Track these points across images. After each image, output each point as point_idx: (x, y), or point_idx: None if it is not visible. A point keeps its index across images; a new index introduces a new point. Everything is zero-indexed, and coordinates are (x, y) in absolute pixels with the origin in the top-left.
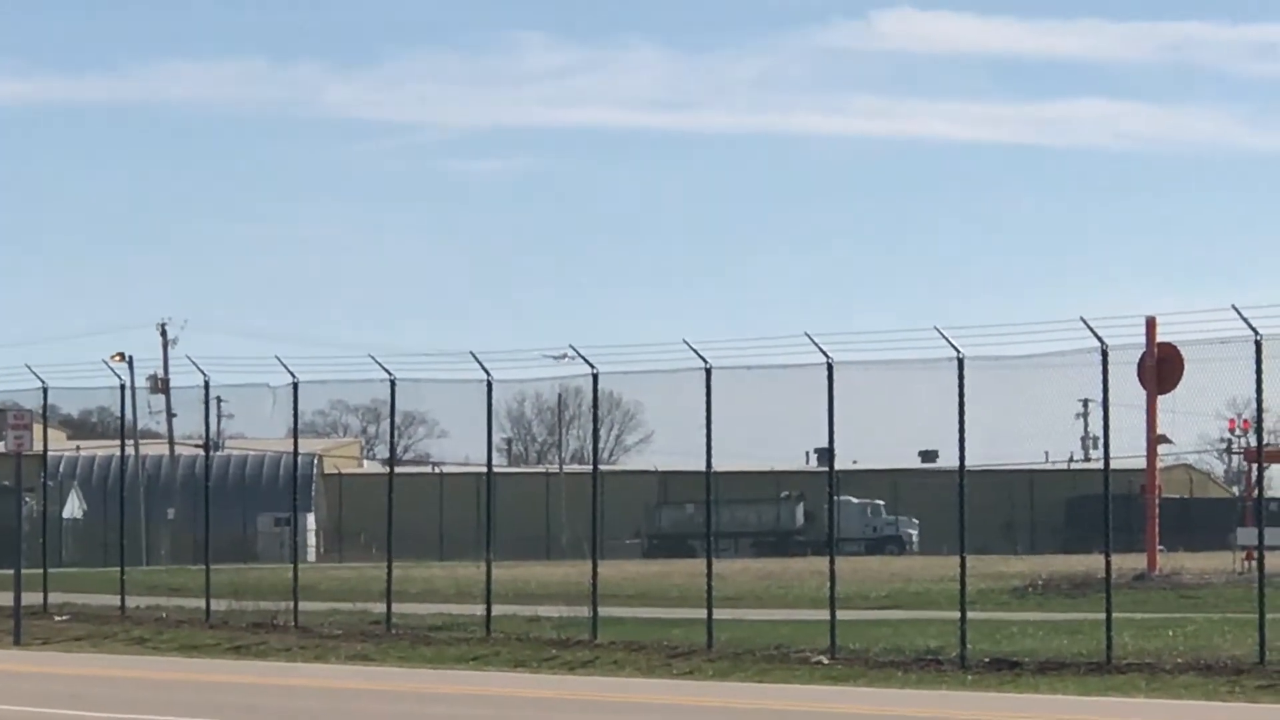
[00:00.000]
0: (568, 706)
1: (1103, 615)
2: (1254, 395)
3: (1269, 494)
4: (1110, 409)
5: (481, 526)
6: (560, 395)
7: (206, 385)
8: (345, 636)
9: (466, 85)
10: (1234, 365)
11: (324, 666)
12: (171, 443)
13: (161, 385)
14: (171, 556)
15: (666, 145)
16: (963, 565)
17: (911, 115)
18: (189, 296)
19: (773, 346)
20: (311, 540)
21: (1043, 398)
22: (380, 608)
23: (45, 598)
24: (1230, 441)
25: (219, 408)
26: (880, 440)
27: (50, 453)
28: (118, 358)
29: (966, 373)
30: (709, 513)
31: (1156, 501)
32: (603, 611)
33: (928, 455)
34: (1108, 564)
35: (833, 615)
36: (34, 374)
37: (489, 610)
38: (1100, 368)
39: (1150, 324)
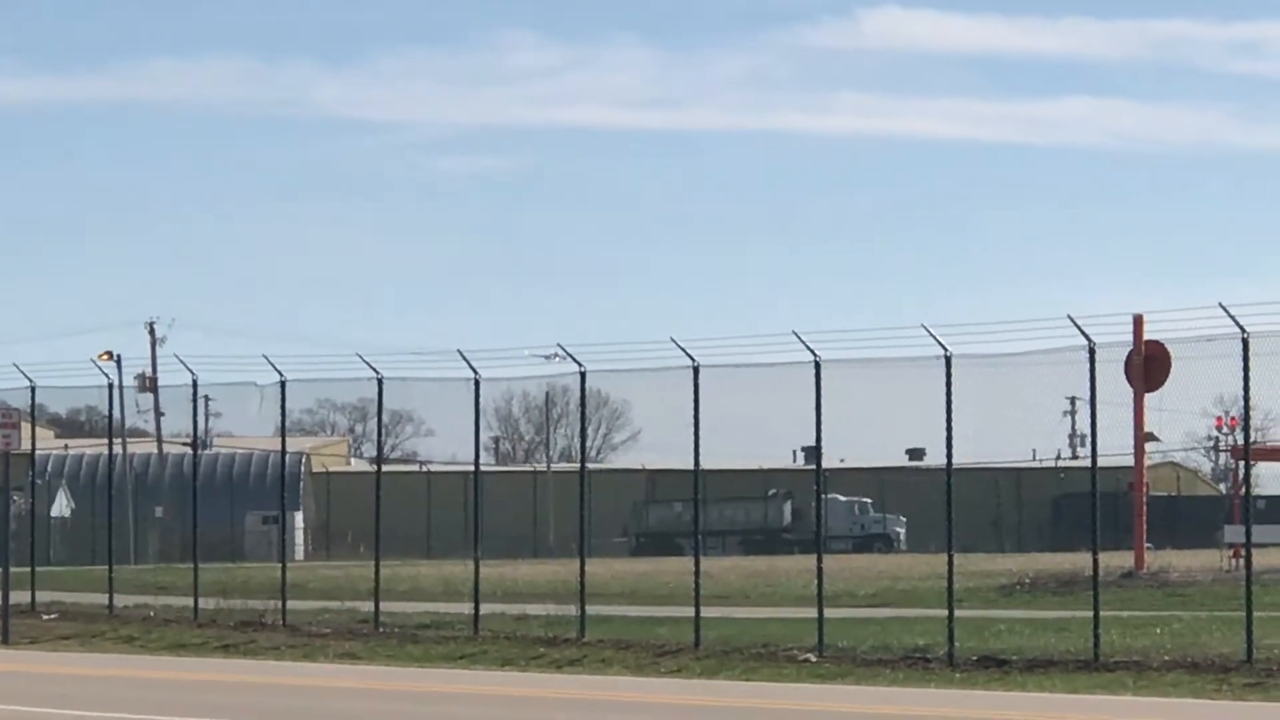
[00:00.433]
0: (555, 705)
1: (1090, 613)
2: (1241, 393)
3: (1256, 491)
4: (1098, 407)
5: (469, 525)
6: (548, 394)
7: (194, 384)
8: (333, 635)
9: (454, 84)
10: (1221, 363)
11: (312, 665)
12: (159, 441)
13: (149, 384)
14: (159, 555)
15: (653, 144)
16: (950, 563)
17: (898, 114)
18: (177, 295)
19: (760, 345)
20: (299, 539)
21: (1030, 396)
22: (368, 606)
23: (33, 596)
24: (1217, 439)
25: (207, 406)
26: (868, 438)
27: (38, 451)
28: (106, 356)
29: (954, 371)
30: (697, 511)
31: (1144, 499)
32: (590, 610)
33: (915, 453)
34: (1095, 562)
35: (820, 613)
36: (22, 373)
37: (477, 609)
38: (1088, 365)
39: (1137, 322)
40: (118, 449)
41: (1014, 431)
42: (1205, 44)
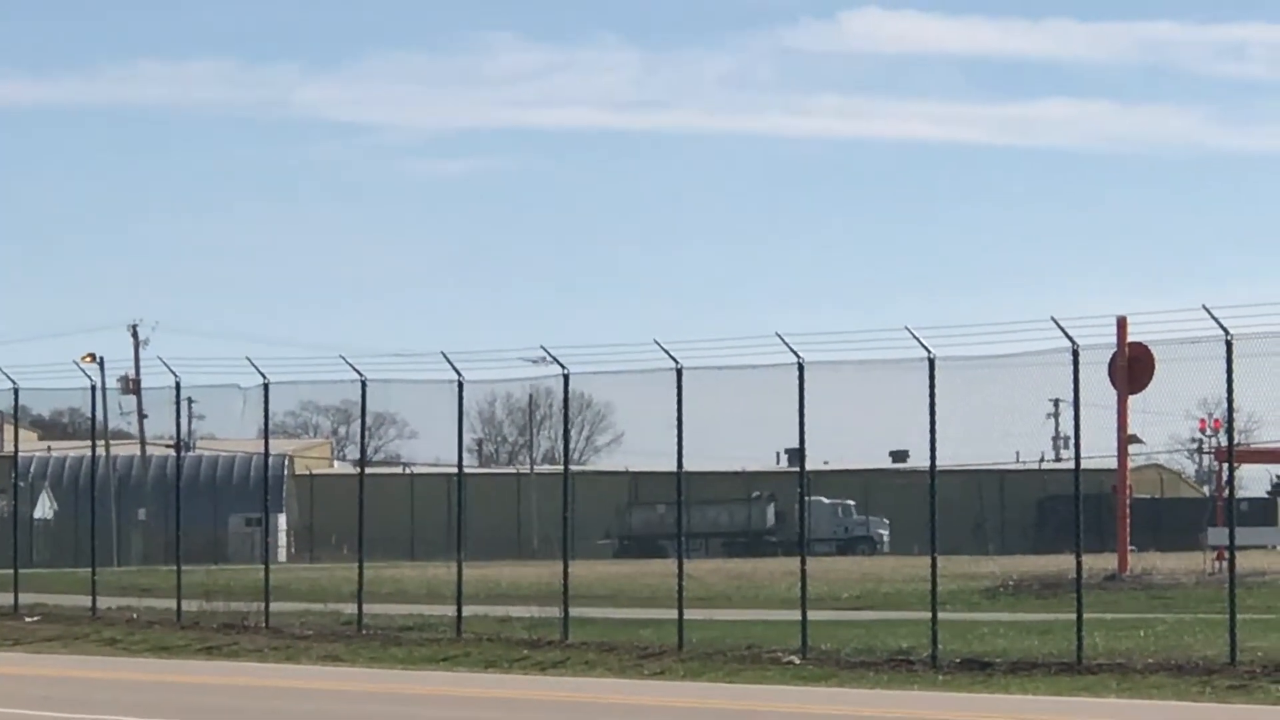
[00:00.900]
0: (539, 707)
1: (1073, 615)
2: (1225, 395)
3: (1240, 494)
4: (1081, 409)
5: (453, 527)
6: (531, 396)
7: (177, 386)
8: (316, 637)
9: (437, 86)
10: (1205, 365)
11: (295, 667)
12: (143, 443)
13: (132, 386)
14: (143, 557)
15: (636, 145)
16: (934, 565)
17: (880, 115)
18: (160, 297)
19: (744, 347)
20: (282, 541)
21: (1014, 398)
22: (351, 608)
23: (16, 598)
24: (1201, 441)
25: (190, 408)
26: (851, 440)
27: (21, 453)
28: (88, 358)
29: (937, 373)
30: (680, 513)
31: (1127, 501)
32: (574, 612)
33: (899, 455)
34: (1078, 564)
35: (804, 615)
36: (5, 374)
37: (460, 611)
38: (1071, 368)
39: (1121, 324)
40: (100, 451)
41: (997, 434)
42: (1189, 46)
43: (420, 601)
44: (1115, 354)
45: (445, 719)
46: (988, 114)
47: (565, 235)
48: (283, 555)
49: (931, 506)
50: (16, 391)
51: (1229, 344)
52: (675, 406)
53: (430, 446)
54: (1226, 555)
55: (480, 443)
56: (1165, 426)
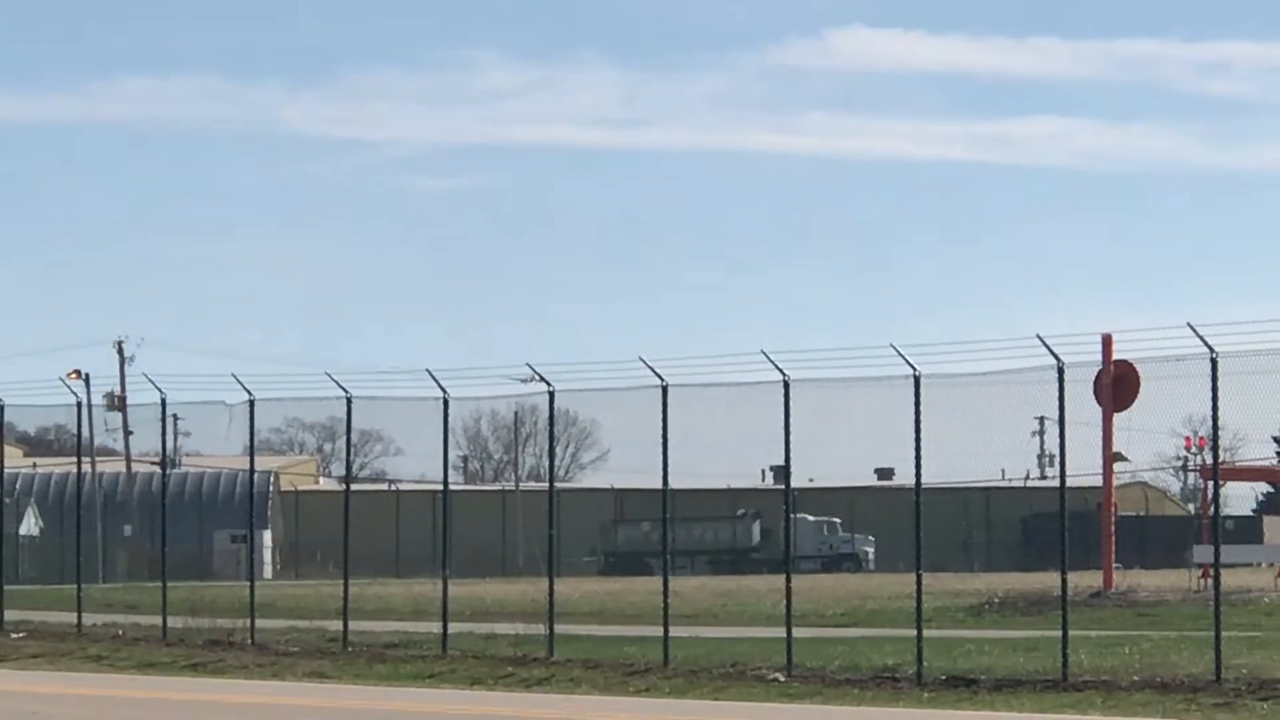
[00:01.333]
0: None
1: (1059, 633)
2: (1210, 413)
3: (1225, 512)
4: (1066, 427)
5: (438, 544)
6: (517, 413)
7: (163, 403)
8: (302, 654)
9: (423, 103)
10: (1190, 383)
11: (280, 684)
12: (128, 460)
13: (118, 403)
14: (128, 574)
15: (622, 163)
16: (919, 582)
17: (866, 133)
18: (146, 314)
19: (729, 364)
20: (268, 557)
21: (999, 415)
22: (337, 625)
23: (1, 615)
24: (1186, 459)
25: (175, 425)
26: (837, 458)
27: (6, 470)
28: (74, 375)
29: (923, 390)
30: (665, 530)
31: (1112, 519)
32: (559, 629)
33: (884, 473)
34: (1064, 581)
35: (789, 633)
36: None
37: (445, 628)
38: (1056, 385)
39: (1106, 342)
40: (86, 468)
41: (983, 451)
42: (1173, 64)
43: (406, 618)
44: (1100, 372)
45: None
46: (972, 132)
47: (552, 252)
48: (268, 572)
49: (917, 524)
50: (2, 408)
51: (1214, 362)
52: (660, 424)
53: (416, 463)
54: (1211, 573)
55: (466, 460)
56: (1150, 444)
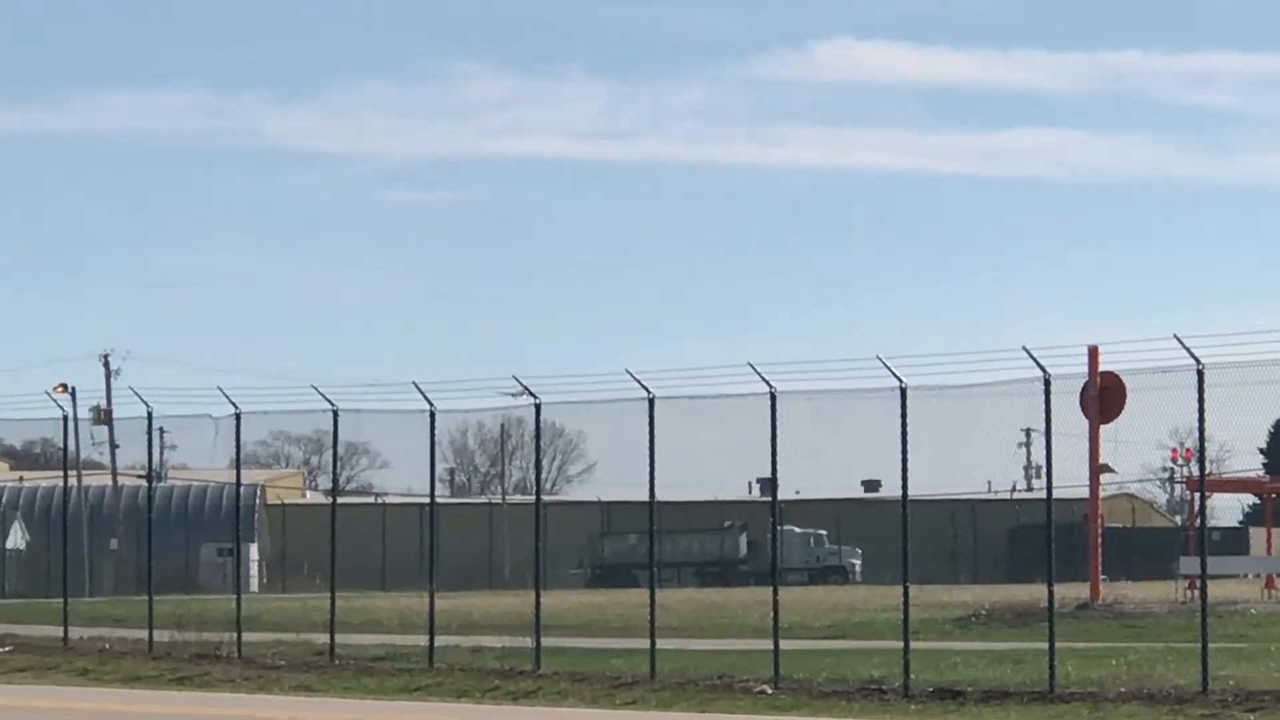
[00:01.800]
0: None
1: (1046, 644)
2: (1196, 424)
3: (1211, 523)
4: (1053, 438)
5: (424, 557)
6: (503, 426)
7: (149, 416)
8: (288, 667)
9: (407, 116)
10: (1176, 394)
11: (267, 697)
12: (114, 473)
13: (104, 416)
14: (115, 587)
15: (607, 176)
16: (905, 595)
17: (851, 145)
18: (132, 327)
19: (716, 376)
20: (254, 571)
21: (985, 427)
22: (323, 638)
23: None
24: (1173, 470)
25: (162, 438)
26: (823, 470)
27: None
28: (60, 389)
29: (909, 403)
30: (652, 543)
31: (1099, 531)
32: (546, 642)
33: (871, 485)
34: (1050, 593)
35: (776, 645)
36: None
37: (432, 640)
38: (1043, 397)
39: (1093, 353)
40: (72, 481)
41: (969, 463)
42: (1157, 76)
43: (392, 631)
44: (1087, 383)
45: None
46: (958, 143)
47: (536, 265)
48: (255, 585)
49: (904, 536)
50: None
51: (1200, 374)
52: (647, 436)
53: (402, 476)
54: (1198, 584)
55: (452, 472)
56: (1137, 456)
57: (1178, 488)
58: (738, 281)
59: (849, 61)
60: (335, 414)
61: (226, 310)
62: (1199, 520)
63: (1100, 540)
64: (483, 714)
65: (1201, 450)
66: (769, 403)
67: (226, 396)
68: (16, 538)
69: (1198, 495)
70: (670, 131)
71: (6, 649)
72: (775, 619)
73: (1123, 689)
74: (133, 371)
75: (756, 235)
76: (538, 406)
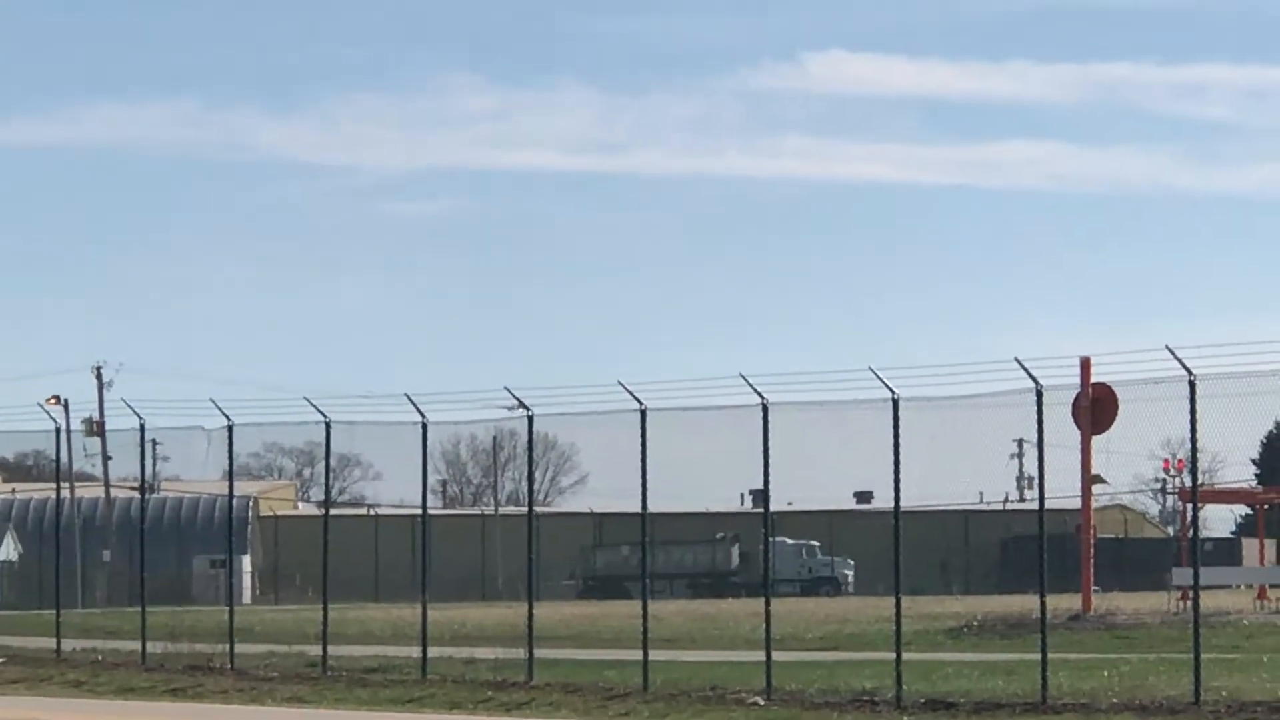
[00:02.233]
0: None
1: (1038, 655)
2: (1188, 435)
3: (1203, 534)
4: (1045, 449)
5: (417, 568)
6: (495, 437)
7: (142, 428)
8: (281, 679)
9: (400, 127)
10: (1168, 405)
11: (260, 709)
12: (107, 485)
13: (97, 428)
14: (107, 599)
15: (600, 187)
16: (898, 606)
17: (843, 157)
18: (124, 339)
19: (708, 388)
20: (247, 582)
21: (977, 438)
22: (316, 650)
23: None
24: (1165, 481)
25: (154, 450)
26: (816, 481)
27: None
28: (53, 401)
29: (901, 413)
30: (644, 554)
31: (1091, 542)
32: (539, 653)
33: (863, 496)
34: (1043, 604)
35: (768, 656)
36: None
37: (425, 652)
38: (1035, 408)
39: (1085, 364)
40: (65, 493)
41: (962, 474)
42: (1148, 87)
43: (385, 643)
44: (1079, 395)
45: None
46: (950, 155)
47: (529, 276)
48: (247, 597)
49: (896, 547)
50: None
51: (1192, 385)
52: (640, 447)
53: (395, 488)
54: (1191, 595)
55: (445, 484)
56: (1129, 467)
57: (1170, 499)
58: (730, 293)
59: (841, 73)
60: (328, 426)
61: (219, 322)
62: (1191, 531)
63: (1092, 551)
64: None
65: (1194, 461)
66: (761, 414)
67: (219, 408)
68: (9, 550)
69: (1190, 506)
70: (663, 143)
71: (0, 661)
72: (767, 630)
73: (1115, 700)
74: (125, 383)
75: (749, 246)
76: (530, 418)
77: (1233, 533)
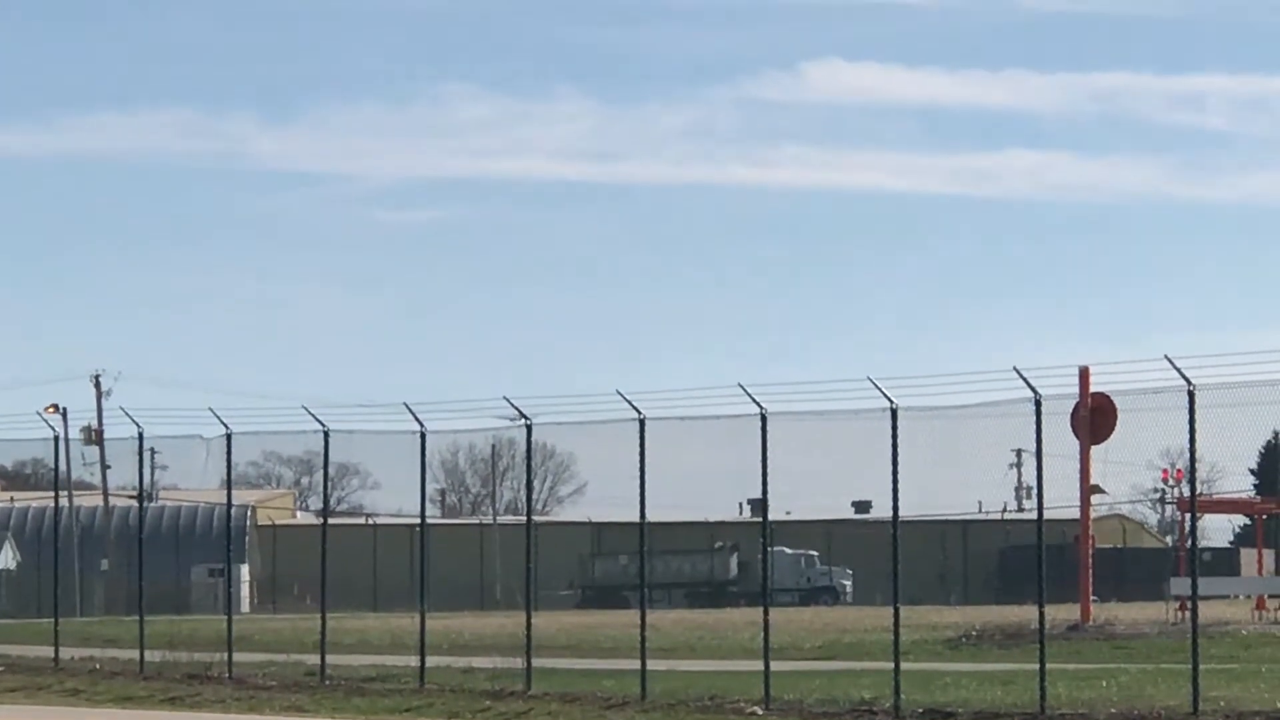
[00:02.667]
0: None
1: (1036, 665)
2: (1187, 445)
3: (1202, 544)
4: (1044, 459)
5: (415, 578)
6: (494, 446)
7: (140, 436)
8: (279, 688)
9: (395, 136)
10: (1167, 415)
11: (258, 718)
12: (105, 494)
13: (95, 436)
14: (105, 607)
15: (597, 196)
16: (896, 615)
17: (841, 166)
18: (123, 348)
19: (706, 397)
20: (245, 591)
21: (976, 448)
22: (314, 659)
23: None
24: (1163, 491)
25: (152, 459)
26: (814, 491)
27: None
28: (51, 409)
29: (900, 423)
30: (643, 563)
31: (1090, 552)
32: (537, 662)
33: (861, 506)
34: (1041, 614)
35: (767, 666)
36: None
37: (423, 661)
38: (1034, 418)
39: (1083, 374)
40: (63, 501)
41: (960, 484)
42: (1146, 96)
43: (383, 652)
44: (1078, 404)
45: None
46: (948, 164)
47: (526, 285)
48: (245, 606)
49: (894, 557)
50: None
51: (1191, 395)
52: (638, 457)
53: (393, 497)
54: (1189, 605)
55: (443, 493)
56: (1128, 477)
57: (1168, 509)
58: (728, 302)
59: (840, 82)
60: (326, 434)
61: (217, 330)
62: (1190, 541)
63: (1091, 561)
64: None
65: (1192, 471)
66: (760, 424)
67: (217, 417)
68: (7, 558)
69: (1188, 516)
70: (660, 152)
71: None
72: (766, 640)
73: (1113, 710)
74: (124, 392)
75: (747, 256)
76: (529, 427)
77: (1231, 543)
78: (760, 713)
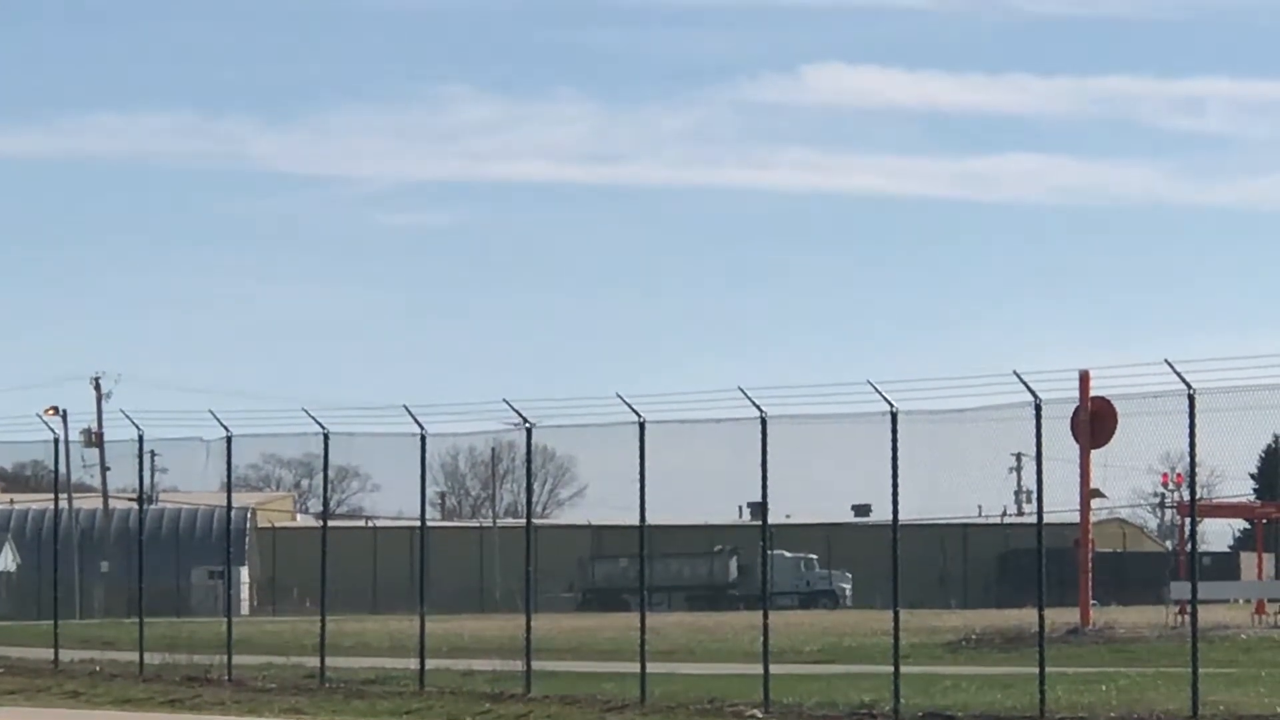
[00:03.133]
0: None
1: (1036, 669)
2: (1187, 450)
3: (1202, 548)
4: (1044, 463)
5: (415, 580)
6: (494, 449)
7: (140, 439)
8: (279, 690)
9: (395, 138)
10: (1167, 419)
11: None
12: (105, 496)
13: (95, 439)
14: (105, 610)
15: (597, 198)
16: (896, 619)
17: (841, 169)
18: (123, 350)
19: (706, 400)
20: (245, 594)
21: (976, 452)
22: (314, 661)
23: None
24: (1163, 496)
25: (152, 461)
26: (814, 494)
27: None
28: (51, 412)
29: (900, 427)
30: (642, 566)
31: (1090, 555)
32: (536, 665)
33: (861, 509)
34: (1041, 618)
35: (766, 669)
36: None
37: (423, 664)
38: (1034, 422)
39: (1084, 378)
40: (63, 504)
41: (960, 487)
42: (1147, 101)
43: (383, 654)
44: (1078, 408)
45: None
46: (948, 168)
47: (526, 287)
48: (245, 608)
49: (894, 560)
50: None
51: (1191, 399)
52: (638, 460)
53: (393, 500)
54: (1189, 609)
55: (443, 496)
56: (1128, 481)
57: (1168, 513)
58: (728, 305)
59: (839, 85)
60: (326, 437)
61: (217, 333)
62: (1190, 545)
63: (1091, 565)
64: None
65: (1192, 475)
66: (759, 427)
67: (217, 419)
68: (7, 560)
69: (1188, 520)
70: (660, 154)
71: None
72: (765, 643)
73: (1113, 714)
74: (124, 394)
75: (746, 259)
76: (529, 430)
77: (1231, 547)
78: (760, 716)
